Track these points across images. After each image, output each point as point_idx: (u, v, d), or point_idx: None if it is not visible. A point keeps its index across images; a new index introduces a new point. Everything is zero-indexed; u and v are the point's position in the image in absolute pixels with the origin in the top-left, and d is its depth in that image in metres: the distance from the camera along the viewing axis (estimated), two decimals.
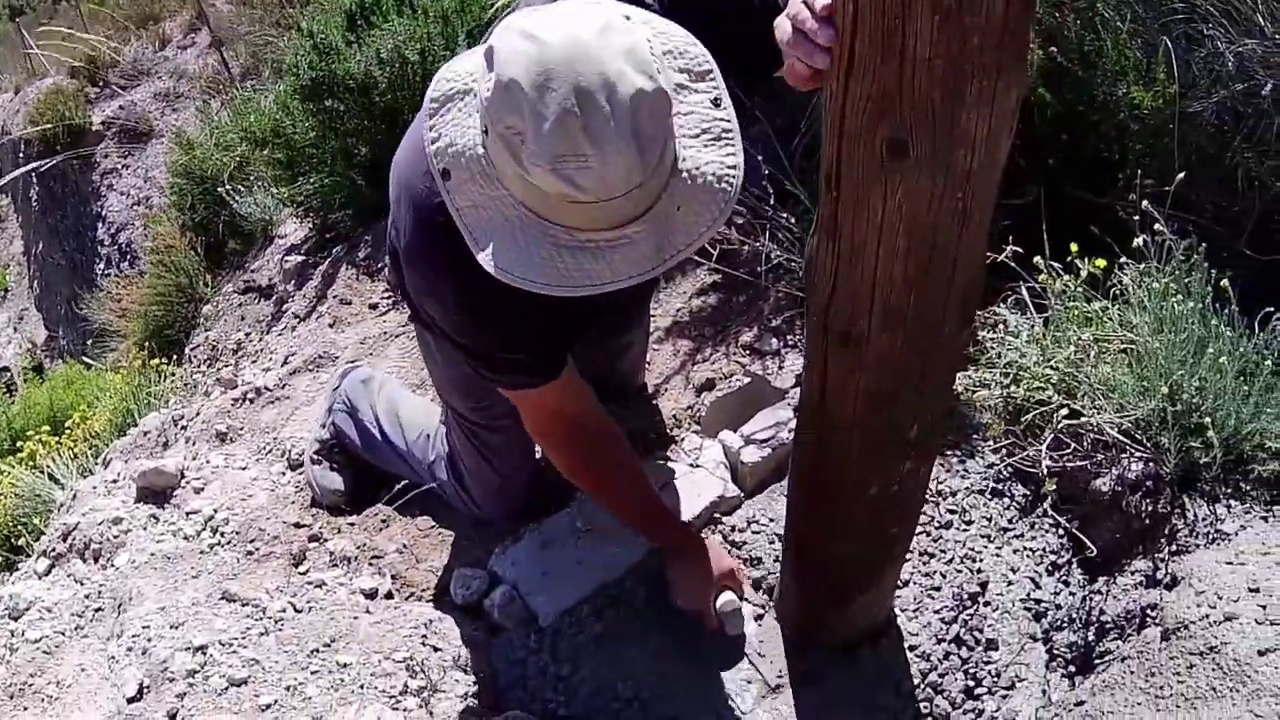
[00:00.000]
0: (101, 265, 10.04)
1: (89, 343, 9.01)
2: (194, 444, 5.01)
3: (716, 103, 2.43)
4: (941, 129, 1.96)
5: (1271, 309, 3.46)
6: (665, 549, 3.61)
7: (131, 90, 10.75)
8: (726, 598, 3.47)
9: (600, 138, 2.19)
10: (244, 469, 4.66)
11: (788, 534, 3.29)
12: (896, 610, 3.55)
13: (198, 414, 5.31)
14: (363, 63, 5.86)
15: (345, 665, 3.32)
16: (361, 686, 3.24)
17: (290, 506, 4.39)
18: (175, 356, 7.09)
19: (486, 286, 2.49)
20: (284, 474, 4.61)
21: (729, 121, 2.42)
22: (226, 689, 3.25)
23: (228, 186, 7.38)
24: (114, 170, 10.41)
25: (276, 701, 3.20)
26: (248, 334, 6.58)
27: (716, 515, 3.89)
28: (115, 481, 4.67)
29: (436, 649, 3.46)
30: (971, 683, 3.49)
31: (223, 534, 4.22)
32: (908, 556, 3.46)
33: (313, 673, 3.31)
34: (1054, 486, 3.54)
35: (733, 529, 3.84)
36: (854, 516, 2.90)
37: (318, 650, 3.40)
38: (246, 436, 4.96)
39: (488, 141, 2.36)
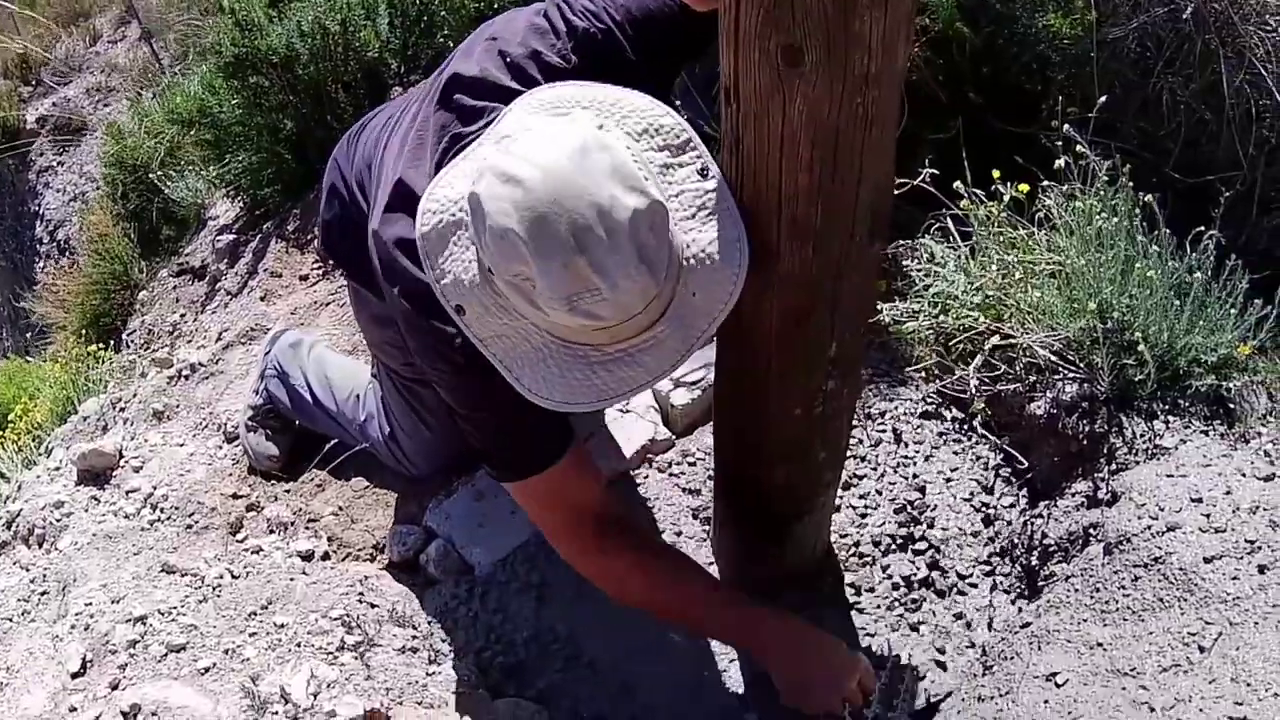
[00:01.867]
0: (41, 264, 9.96)
1: (29, 337, 8.96)
2: (132, 424, 4.97)
3: (703, 173, 2.39)
4: (835, 33, 1.94)
5: (1202, 228, 3.45)
6: (759, 652, 3.27)
7: (64, 87, 10.69)
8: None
9: (607, 269, 2.16)
10: (181, 445, 4.65)
11: (718, 464, 3.28)
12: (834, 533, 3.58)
13: (135, 395, 5.27)
14: (284, 36, 5.81)
15: (282, 626, 3.31)
16: (298, 645, 3.23)
17: (228, 479, 4.38)
18: (113, 343, 7.05)
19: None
20: (220, 447, 4.59)
21: (721, 189, 2.36)
22: (166, 655, 3.24)
23: (158, 173, 7.34)
24: (50, 168, 10.33)
25: (215, 665, 3.18)
26: (183, 315, 6.54)
27: (649, 457, 3.90)
28: (58, 469, 4.63)
29: (373, 605, 3.47)
30: (920, 588, 3.54)
31: (162, 510, 4.20)
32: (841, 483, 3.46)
33: (250, 635, 3.30)
34: (983, 405, 3.54)
35: (669, 464, 3.87)
36: (781, 441, 2.89)
37: (255, 613, 3.39)
38: (183, 413, 4.92)
39: (496, 282, 2.33)
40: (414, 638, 3.44)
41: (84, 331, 7.51)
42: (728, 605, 3.19)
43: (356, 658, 3.20)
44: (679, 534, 3.74)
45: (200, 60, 7.39)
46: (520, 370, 2.44)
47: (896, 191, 3.59)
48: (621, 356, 2.39)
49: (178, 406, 4.97)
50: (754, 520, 3.27)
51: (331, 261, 4.29)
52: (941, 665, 3.42)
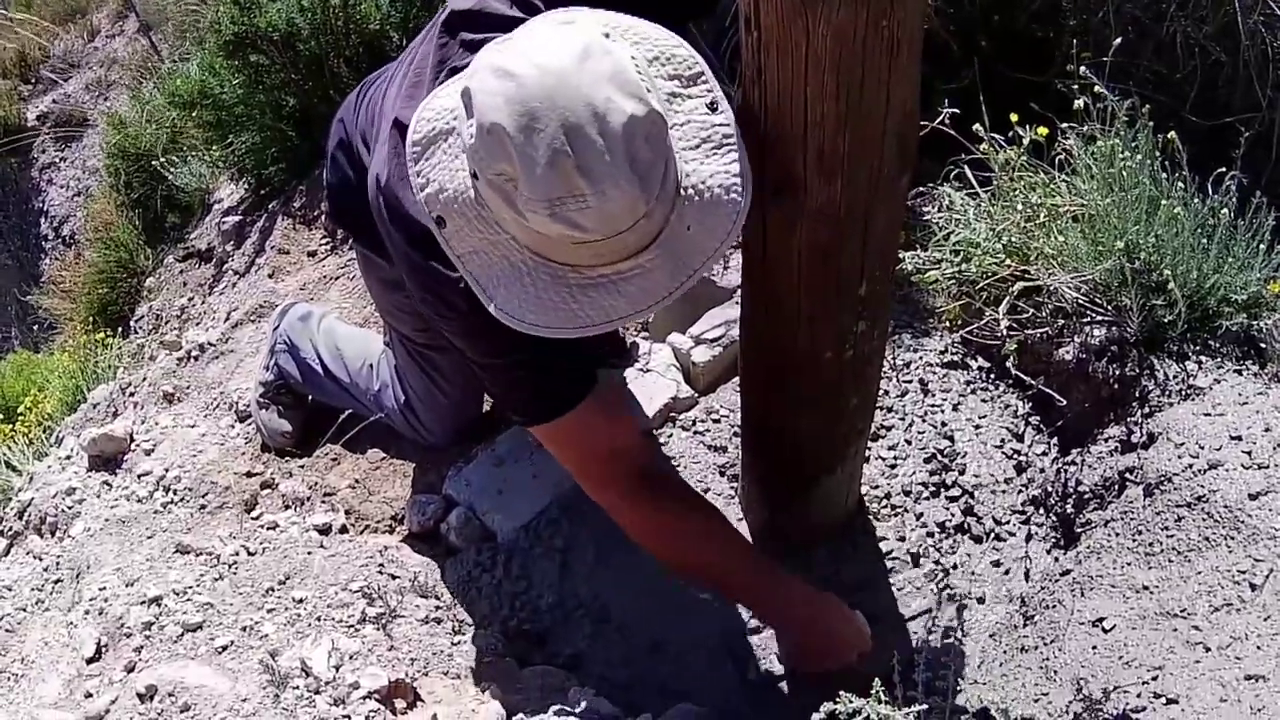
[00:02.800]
0: (47, 260, 9.97)
1: (37, 331, 8.97)
2: (142, 408, 4.96)
3: (713, 106, 2.27)
4: None
5: (1223, 169, 3.38)
6: (787, 628, 3.28)
7: (64, 83, 10.69)
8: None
9: (596, 174, 2.05)
10: (192, 426, 4.61)
11: (745, 415, 3.22)
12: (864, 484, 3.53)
13: (144, 379, 5.25)
14: (284, 12, 5.74)
15: (301, 600, 3.27)
16: (318, 619, 3.18)
17: (240, 457, 4.34)
18: (121, 331, 7.05)
19: None
20: (233, 426, 4.56)
21: (728, 126, 2.25)
22: (182, 635, 3.19)
23: (161, 159, 7.31)
24: (52, 164, 10.34)
25: (233, 642, 3.13)
26: (190, 299, 6.51)
27: (672, 415, 3.84)
28: (69, 457, 4.62)
29: (394, 576, 3.43)
30: (956, 534, 3.50)
31: (175, 492, 4.18)
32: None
33: (269, 611, 3.25)
34: (1014, 347, 3.48)
35: (694, 422, 3.81)
36: (810, 386, 2.83)
37: (272, 589, 3.35)
38: (193, 394, 4.90)
39: (479, 186, 2.23)
40: (438, 608, 3.40)
41: (92, 321, 7.51)
42: (759, 568, 3.12)
43: (379, 629, 3.16)
44: (706, 490, 3.66)
45: (199, 45, 7.34)
46: (495, 289, 2.32)
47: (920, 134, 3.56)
48: (604, 282, 2.27)
49: (188, 388, 4.95)
50: (784, 473, 3.22)
51: (339, 228, 4.21)
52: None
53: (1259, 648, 2.51)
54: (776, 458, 3.18)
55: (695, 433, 3.79)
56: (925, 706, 2.34)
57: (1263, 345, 3.35)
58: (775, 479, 3.27)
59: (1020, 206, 3.54)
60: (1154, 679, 2.63)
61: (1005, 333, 3.47)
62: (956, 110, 3.59)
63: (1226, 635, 2.59)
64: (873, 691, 2.28)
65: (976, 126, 3.58)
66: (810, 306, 2.59)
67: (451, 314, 2.66)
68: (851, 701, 2.27)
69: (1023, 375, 3.66)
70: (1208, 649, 2.60)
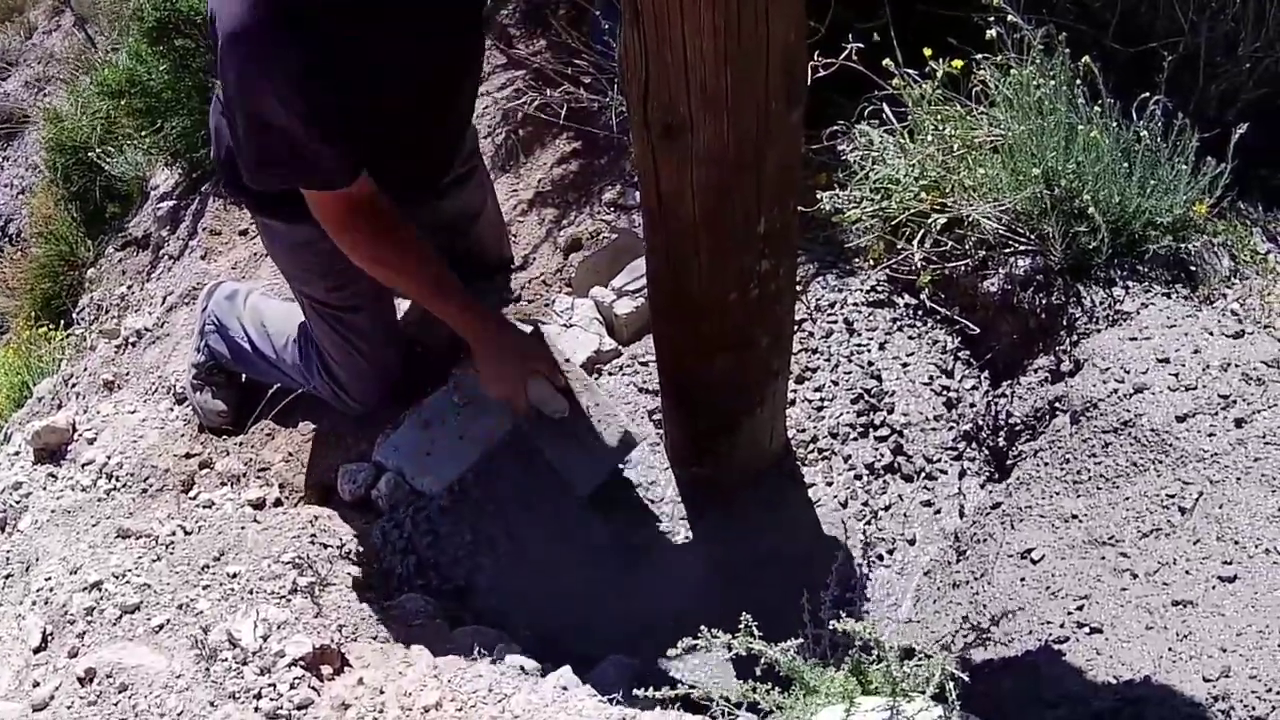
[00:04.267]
0: None
1: None
2: (84, 398, 4.98)
3: None
4: None
5: (1147, 94, 3.37)
6: (469, 340, 3.52)
7: (3, 82, 10.66)
8: (536, 384, 3.44)
9: None
10: (133, 412, 4.61)
11: (660, 362, 3.21)
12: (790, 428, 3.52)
13: (85, 369, 5.25)
14: None
15: (234, 575, 3.25)
16: (250, 592, 3.16)
17: (180, 440, 4.34)
18: (65, 323, 7.04)
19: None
20: (172, 409, 4.56)
21: None
22: (120, 617, 3.19)
23: (98, 150, 7.30)
24: None
25: (169, 621, 3.11)
26: (130, 286, 6.49)
27: (597, 368, 3.84)
28: (17, 453, 4.63)
29: (325, 545, 3.40)
30: (885, 474, 3.48)
31: (117, 478, 4.20)
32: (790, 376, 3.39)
33: (204, 587, 3.23)
34: (929, 279, 3.47)
35: (620, 368, 3.82)
36: (718, 328, 2.81)
37: (207, 566, 3.33)
38: (133, 380, 4.91)
39: None
40: (369, 574, 3.40)
41: (36, 316, 7.49)
42: (456, 295, 3.47)
43: (308, 598, 3.14)
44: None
45: (127, 33, 7.33)
46: None
47: (826, 73, 3.53)
48: None
49: (127, 374, 4.97)
50: (703, 418, 3.20)
51: (237, 200, 4.19)
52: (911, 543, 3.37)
53: (1187, 573, 2.50)
54: (693, 402, 3.16)
55: (624, 375, 3.79)
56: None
57: (1193, 268, 3.34)
58: (695, 425, 3.25)
59: (934, 139, 3.53)
60: (1079, 609, 2.62)
61: (920, 266, 3.47)
62: (861, 46, 3.58)
63: (1154, 561, 2.58)
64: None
65: (887, 62, 3.56)
66: (710, 248, 2.57)
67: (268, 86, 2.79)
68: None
69: (938, 309, 3.66)
70: (1135, 576, 2.59)
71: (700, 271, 2.63)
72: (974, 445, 3.51)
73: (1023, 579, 2.81)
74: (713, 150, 2.31)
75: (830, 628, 2.39)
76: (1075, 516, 2.84)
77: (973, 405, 3.57)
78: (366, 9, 2.86)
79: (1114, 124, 3.38)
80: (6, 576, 3.81)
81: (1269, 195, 3.78)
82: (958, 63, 3.53)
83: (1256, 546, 2.45)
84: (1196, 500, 2.62)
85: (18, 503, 4.21)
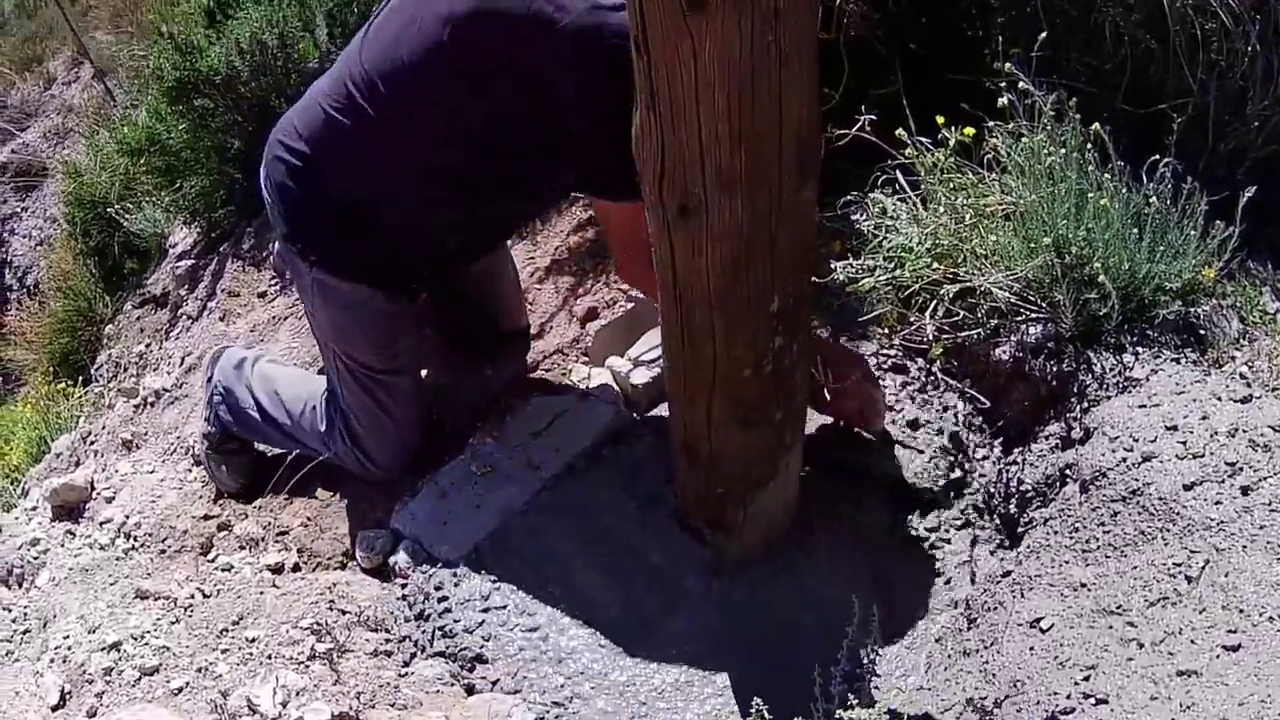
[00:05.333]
0: (13, 311, 9.95)
1: (2, 382, 8.97)
2: (102, 456, 5.00)
3: None
4: None
5: (1157, 156, 3.39)
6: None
7: (22, 133, 10.69)
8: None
9: None
10: (151, 472, 4.64)
11: (673, 433, 3.22)
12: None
13: (103, 427, 5.27)
14: (222, 56, 5.78)
15: (253, 640, 3.29)
16: (269, 657, 3.21)
17: (199, 501, 4.37)
18: (83, 379, 7.05)
19: None
20: (190, 470, 4.57)
21: None
22: (139, 679, 3.23)
23: (116, 207, 7.32)
24: (14, 214, 10.35)
25: (188, 684, 3.16)
26: (148, 345, 6.53)
27: (615, 438, 3.83)
28: (34, 508, 4.66)
29: (344, 611, 3.44)
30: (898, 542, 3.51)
31: (135, 538, 4.21)
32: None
33: (223, 651, 3.28)
34: (941, 351, 3.50)
35: (640, 439, 3.81)
36: (732, 403, 2.83)
37: (226, 630, 3.37)
38: (151, 440, 4.93)
39: None
40: (387, 640, 3.41)
41: (54, 371, 7.51)
42: None
43: (326, 664, 3.17)
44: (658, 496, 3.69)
45: (146, 90, 7.36)
46: None
47: (839, 144, 3.56)
48: None
49: (146, 434, 4.98)
50: (715, 487, 3.21)
51: (306, 259, 4.08)
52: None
53: (1193, 642, 2.50)
54: (706, 474, 3.17)
55: (641, 445, 3.78)
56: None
57: (1202, 332, 3.36)
58: (708, 495, 3.26)
59: (940, 209, 3.55)
60: (1086, 679, 2.62)
61: (932, 337, 3.49)
62: (874, 117, 3.60)
63: (1160, 630, 2.58)
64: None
65: (900, 131, 3.58)
66: (724, 325, 2.60)
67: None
68: None
69: (949, 379, 3.69)
70: (1141, 645, 2.58)
71: (715, 348, 2.66)
72: (985, 514, 3.52)
73: (1031, 648, 2.80)
74: (728, 229, 2.34)
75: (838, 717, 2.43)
76: (1084, 585, 2.84)
77: (983, 474, 3.58)
78: None
79: (1124, 189, 3.40)
80: (25, 632, 3.84)
81: (1278, 253, 3.79)
82: (969, 130, 3.55)
83: (1261, 614, 2.46)
84: (1203, 568, 2.63)
85: (35, 559, 4.22)
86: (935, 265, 3.49)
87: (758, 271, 2.46)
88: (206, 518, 4.23)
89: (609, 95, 2.63)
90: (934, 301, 3.48)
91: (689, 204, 2.30)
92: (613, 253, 3.72)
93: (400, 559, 3.66)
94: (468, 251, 3.75)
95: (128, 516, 4.31)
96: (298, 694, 2.94)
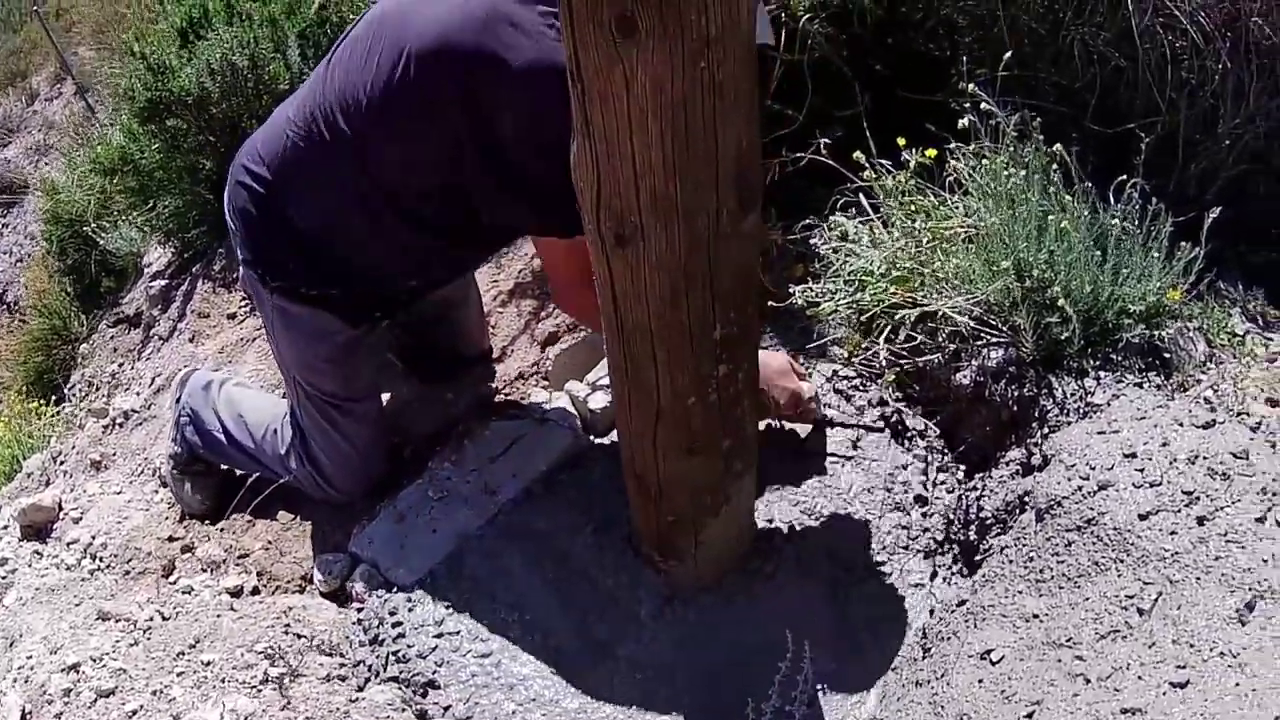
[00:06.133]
0: None
1: None
2: (71, 476, 4.99)
3: None
4: None
5: (1125, 176, 3.38)
6: None
7: (3, 149, 10.69)
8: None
9: None
10: (119, 493, 4.64)
11: (625, 460, 3.19)
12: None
13: (73, 447, 5.26)
14: (194, 76, 5.79)
15: (209, 663, 3.28)
16: (223, 681, 3.20)
17: (164, 522, 4.36)
18: (56, 398, 7.05)
19: None
20: (157, 492, 4.57)
21: None
22: (96, 701, 3.23)
23: (93, 225, 7.32)
24: None
25: (142, 707, 3.16)
26: (120, 364, 6.52)
27: (572, 460, 3.86)
28: (5, 527, 4.65)
29: (299, 635, 3.42)
30: (855, 568, 3.46)
31: (101, 559, 4.22)
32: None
33: (178, 674, 3.27)
34: (893, 378, 3.49)
35: (597, 464, 3.82)
36: (679, 431, 2.82)
37: (183, 653, 3.36)
38: (119, 461, 4.93)
39: None
40: (341, 665, 3.40)
41: (27, 389, 7.50)
42: None
43: (277, 689, 3.16)
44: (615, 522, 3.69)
45: (121, 110, 7.36)
46: None
47: (800, 166, 3.54)
48: None
49: (114, 455, 4.98)
50: (666, 514, 3.19)
51: (267, 285, 4.08)
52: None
53: (1140, 678, 2.48)
54: (657, 501, 3.15)
55: (598, 470, 3.79)
56: None
57: (1167, 355, 3.34)
58: (659, 522, 3.24)
59: (899, 232, 3.53)
60: (1030, 715, 2.60)
61: (885, 362, 3.48)
62: (828, 141, 3.59)
63: (1108, 665, 2.55)
64: None
65: (858, 154, 3.57)
66: (666, 353, 2.58)
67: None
68: None
69: (910, 403, 3.67)
70: (1088, 681, 2.56)
71: (658, 376, 2.65)
72: (946, 542, 3.50)
73: (980, 680, 2.78)
74: (665, 258, 2.33)
75: None
76: (1036, 616, 2.82)
77: (944, 501, 3.56)
78: None
79: (1088, 211, 3.38)
80: None
81: (1249, 273, 3.77)
82: (931, 152, 3.54)
83: (1211, 650, 2.43)
84: (1155, 601, 2.60)
85: (3, 578, 4.22)
86: (893, 289, 3.48)
87: (697, 300, 2.45)
88: (171, 539, 4.22)
89: (562, 130, 2.63)
90: (889, 326, 3.47)
91: (625, 232, 2.28)
92: (553, 286, 3.75)
93: (357, 583, 3.66)
94: (429, 285, 3.75)
95: (94, 537, 4.31)
96: (246, 718, 2.94)
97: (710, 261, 2.37)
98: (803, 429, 3.73)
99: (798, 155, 3.57)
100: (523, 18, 2.94)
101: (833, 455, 3.72)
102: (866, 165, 3.59)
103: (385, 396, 4.21)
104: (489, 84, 2.97)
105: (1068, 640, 2.68)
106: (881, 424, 3.72)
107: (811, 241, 3.82)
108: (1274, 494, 2.72)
